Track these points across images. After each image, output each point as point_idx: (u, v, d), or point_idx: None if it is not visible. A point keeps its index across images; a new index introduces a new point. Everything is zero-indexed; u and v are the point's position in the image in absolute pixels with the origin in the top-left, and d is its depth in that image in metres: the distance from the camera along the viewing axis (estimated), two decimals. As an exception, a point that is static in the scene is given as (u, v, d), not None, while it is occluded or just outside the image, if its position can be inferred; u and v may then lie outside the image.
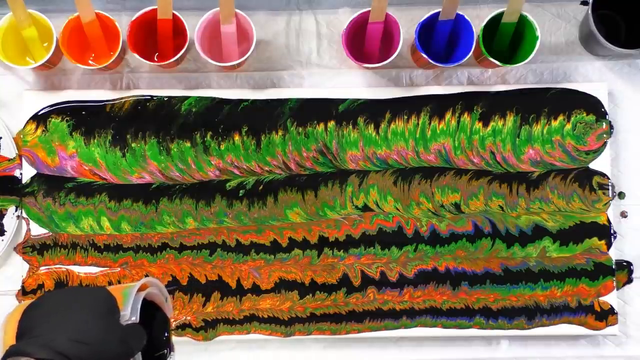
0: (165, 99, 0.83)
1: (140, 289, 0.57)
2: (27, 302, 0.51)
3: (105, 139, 0.83)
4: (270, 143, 0.83)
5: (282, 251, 0.82)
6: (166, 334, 0.62)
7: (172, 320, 0.62)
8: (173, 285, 0.81)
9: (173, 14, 0.78)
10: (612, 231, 0.82)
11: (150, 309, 0.59)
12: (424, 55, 0.77)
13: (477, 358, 0.83)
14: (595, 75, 0.85)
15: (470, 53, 0.78)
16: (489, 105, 0.83)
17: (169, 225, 0.82)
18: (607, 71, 0.86)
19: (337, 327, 0.82)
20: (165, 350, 0.61)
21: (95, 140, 0.83)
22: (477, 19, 0.80)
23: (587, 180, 0.82)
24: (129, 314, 0.54)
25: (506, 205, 0.82)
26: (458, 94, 0.83)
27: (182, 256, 0.82)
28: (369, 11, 0.77)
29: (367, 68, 0.83)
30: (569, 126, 0.82)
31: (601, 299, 0.82)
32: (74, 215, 0.82)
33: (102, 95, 0.83)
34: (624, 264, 0.83)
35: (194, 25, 0.78)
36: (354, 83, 0.85)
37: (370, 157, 0.83)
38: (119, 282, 0.81)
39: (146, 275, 0.82)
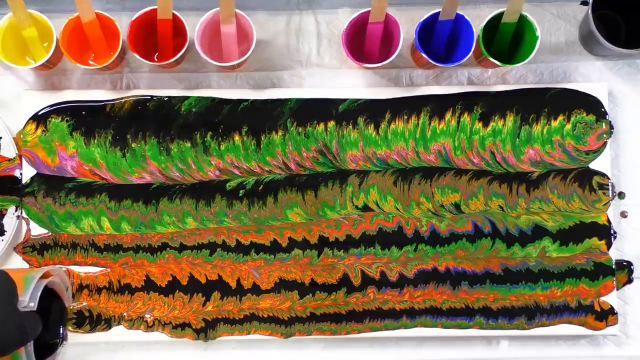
0: (165, 99, 0.83)
1: (43, 277, 0.56)
2: None
3: (106, 139, 0.83)
4: (270, 143, 0.83)
5: (282, 251, 0.82)
6: (62, 324, 0.61)
7: (69, 310, 0.62)
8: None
9: (173, 14, 0.78)
10: (612, 231, 0.82)
11: (49, 297, 0.59)
12: (424, 55, 0.77)
13: (477, 358, 0.83)
14: (595, 75, 0.85)
15: (470, 53, 0.78)
16: (489, 105, 0.83)
17: (169, 225, 0.82)
18: (607, 71, 0.85)
19: (337, 327, 0.82)
20: (58, 340, 0.61)
21: (95, 141, 0.83)
22: (477, 19, 0.80)
23: (587, 180, 0.82)
24: (28, 300, 0.54)
25: (506, 205, 0.82)
26: (458, 94, 0.83)
27: (182, 256, 0.82)
28: (369, 11, 0.77)
29: (367, 68, 0.83)
30: (569, 126, 0.82)
31: (601, 299, 0.82)
32: (74, 215, 0.82)
33: (102, 95, 0.83)
34: (624, 264, 0.83)
35: (194, 25, 0.78)
36: (354, 83, 0.85)
37: (370, 157, 0.83)
38: (119, 282, 0.82)
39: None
